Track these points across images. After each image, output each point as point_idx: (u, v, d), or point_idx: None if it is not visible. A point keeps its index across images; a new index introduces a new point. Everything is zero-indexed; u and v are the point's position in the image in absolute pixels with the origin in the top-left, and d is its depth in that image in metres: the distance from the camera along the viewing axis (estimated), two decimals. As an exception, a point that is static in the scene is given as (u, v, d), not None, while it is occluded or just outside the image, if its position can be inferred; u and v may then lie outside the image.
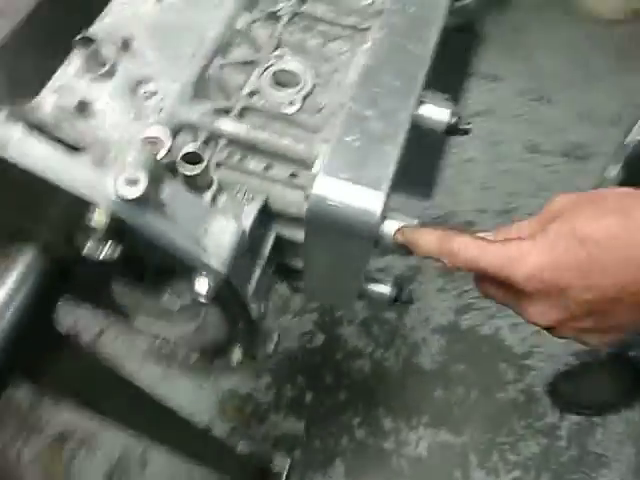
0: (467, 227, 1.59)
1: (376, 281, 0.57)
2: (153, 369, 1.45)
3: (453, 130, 0.52)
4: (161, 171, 0.40)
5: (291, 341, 1.47)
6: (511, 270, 0.39)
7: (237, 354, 0.55)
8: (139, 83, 0.49)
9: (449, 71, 1.87)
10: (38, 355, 0.53)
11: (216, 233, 0.42)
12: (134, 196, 0.36)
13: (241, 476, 1.27)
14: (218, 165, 0.48)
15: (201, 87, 0.51)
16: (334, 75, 0.53)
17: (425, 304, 1.49)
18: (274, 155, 0.48)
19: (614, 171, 0.97)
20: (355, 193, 0.44)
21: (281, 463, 1.32)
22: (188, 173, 0.43)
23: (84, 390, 0.66)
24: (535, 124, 1.74)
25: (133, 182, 0.36)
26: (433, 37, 0.52)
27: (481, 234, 0.44)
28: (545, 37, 1.89)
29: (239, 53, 0.54)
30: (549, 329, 0.42)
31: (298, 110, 0.50)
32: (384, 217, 0.45)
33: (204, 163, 0.43)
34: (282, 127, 0.50)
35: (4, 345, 0.44)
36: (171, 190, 0.41)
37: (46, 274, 0.47)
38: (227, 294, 0.44)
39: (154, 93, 0.49)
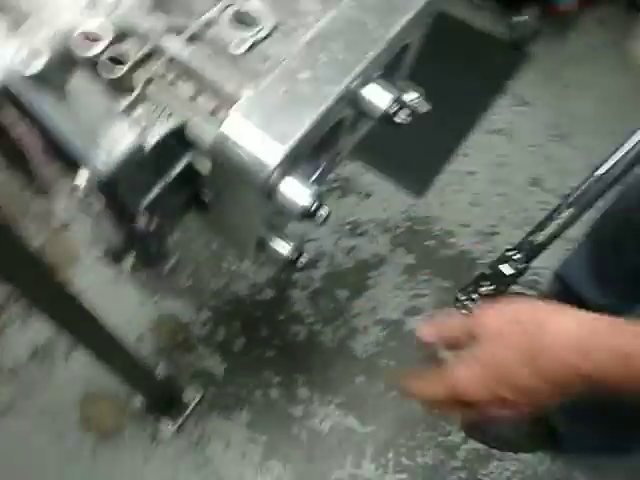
0: (445, 236, 1.59)
1: (280, 239, 0.59)
2: (104, 271, 1.48)
3: (387, 119, 0.53)
4: (72, 58, 0.41)
5: (241, 288, 1.50)
6: None
7: (128, 262, 0.57)
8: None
9: (486, 78, 1.86)
10: None
11: (114, 137, 0.44)
12: (30, 72, 0.38)
13: (151, 396, 1.31)
14: (149, 81, 0.49)
15: (164, 1, 0.52)
16: (295, 31, 0.54)
17: (378, 295, 1.51)
18: (204, 86, 0.49)
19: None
20: (256, 140, 0.45)
21: (192, 395, 1.37)
22: (106, 73, 0.44)
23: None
24: (547, 160, 1.72)
25: (35, 56, 0.38)
26: (398, 23, 0.52)
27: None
28: (589, 78, 1.85)
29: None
30: None
31: (244, 52, 0.51)
32: (283, 174, 0.47)
33: (125, 67, 0.44)
34: (223, 63, 0.50)
35: None
36: (80, 82, 0.42)
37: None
38: (111, 197, 0.46)
39: (110, -8, 0.50)
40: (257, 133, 0.45)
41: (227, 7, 0.52)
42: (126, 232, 0.51)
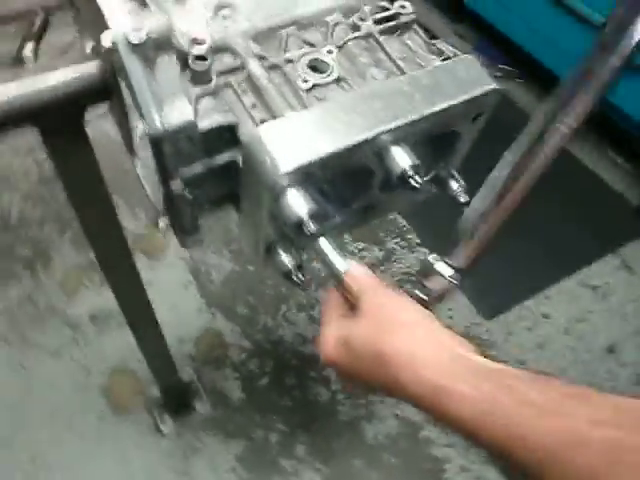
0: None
1: (288, 252, 0.67)
2: (180, 274, 1.64)
3: (404, 181, 0.60)
4: (168, 44, 0.54)
5: (288, 334, 1.58)
6: None
7: (162, 222, 0.68)
8: (223, 7, 0.64)
9: (602, 237, 1.82)
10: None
11: (176, 109, 0.56)
12: (135, 41, 0.51)
13: (167, 392, 1.39)
14: (226, 85, 0.61)
15: (264, 36, 0.65)
16: (353, 87, 0.64)
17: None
18: (263, 101, 0.61)
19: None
20: (279, 147, 0.54)
21: (201, 407, 1.44)
22: (191, 62, 0.57)
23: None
24: (634, 334, 1.63)
25: (138, 30, 0.51)
26: (440, 103, 0.60)
27: None
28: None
29: (311, 35, 0.67)
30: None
31: (306, 89, 0.62)
32: (292, 184, 0.56)
33: (207, 63, 0.57)
34: (285, 91, 0.62)
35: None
36: (169, 62, 0.56)
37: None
38: (157, 153, 0.57)
39: (229, 17, 0.64)
40: (282, 142, 0.55)
41: (308, 54, 0.64)
42: (165, 191, 0.62)
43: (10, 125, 0.62)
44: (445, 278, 0.44)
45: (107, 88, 0.62)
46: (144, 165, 0.62)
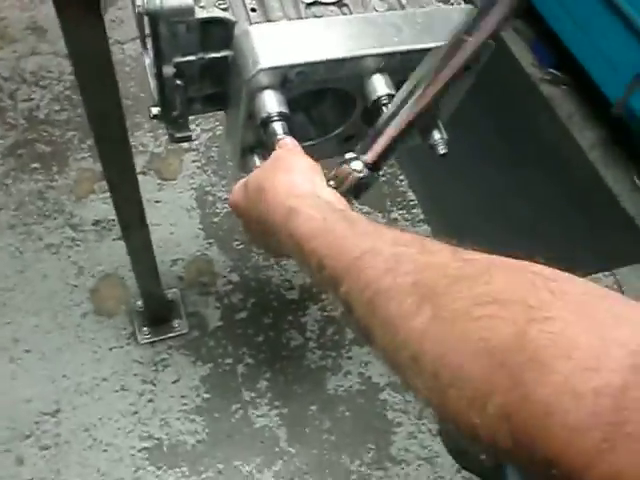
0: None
1: (261, 157, 0.70)
2: (189, 201, 1.69)
3: (378, 108, 0.63)
4: None
5: (276, 276, 1.62)
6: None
7: (155, 110, 0.72)
8: None
9: None
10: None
11: (176, -6, 0.59)
12: None
13: (149, 307, 1.45)
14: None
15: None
16: (352, 14, 0.67)
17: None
18: (262, 4, 0.64)
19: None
20: (264, 47, 0.58)
21: (179, 326, 1.50)
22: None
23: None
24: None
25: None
26: (422, 43, 0.63)
27: None
28: None
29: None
30: None
31: (307, 4, 0.65)
32: (269, 85, 0.59)
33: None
34: (288, 3, 0.65)
35: None
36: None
37: None
38: (153, 34, 0.61)
39: None
40: (268, 43, 0.58)
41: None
42: (157, 75, 0.66)
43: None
44: (353, 170, 0.48)
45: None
46: (149, 56, 0.66)
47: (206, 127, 1.83)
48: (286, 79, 0.59)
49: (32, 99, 1.82)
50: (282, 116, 0.59)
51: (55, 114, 1.79)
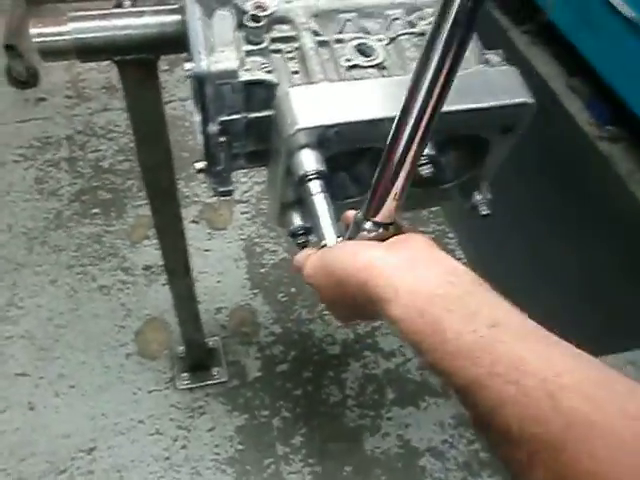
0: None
1: (298, 213, 0.72)
2: (236, 250, 1.73)
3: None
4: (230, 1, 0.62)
5: (319, 330, 1.61)
6: None
7: (200, 164, 0.75)
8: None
9: None
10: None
11: (224, 57, 0.63)
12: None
13: (190, 352, 1.47)
14: (277, 51, 0.68)
15: (324, 16, 0.71)
16: (392, 75, 0.68)
17: (421, 421, 1.48)
18: (304, 68, 0.66)
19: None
20: (303, 107, 0.60)
21: (218, 374, 1.50)
22: (246, 20, 0.64)
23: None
24: None
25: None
26: (459, 105, 0.63)
27: None
28: None
29: (368, 24, 0.72)
30: None
31: (347, 67, 0.67)
32: (306, 144, 0.61)
33: (261, 23, 0.64)
34: (329, 68, 0.67)
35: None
36: (225, 16, 0.63)
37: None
38: (199, 94, 0.64)
39: (297, -7, 0.71)
40: (307, 103, 0.60)
41: (359, 38, 0.70)
42: (203, 132, 0.69)
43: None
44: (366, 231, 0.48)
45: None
46: (197, 112, 0.70)
47: (258, 180, 1.88)
48: (324, 138, 0.61)
49: (99, 150, 1.94)
50: (320, 174, 0.60)
51: (118, 164, 1.89)
